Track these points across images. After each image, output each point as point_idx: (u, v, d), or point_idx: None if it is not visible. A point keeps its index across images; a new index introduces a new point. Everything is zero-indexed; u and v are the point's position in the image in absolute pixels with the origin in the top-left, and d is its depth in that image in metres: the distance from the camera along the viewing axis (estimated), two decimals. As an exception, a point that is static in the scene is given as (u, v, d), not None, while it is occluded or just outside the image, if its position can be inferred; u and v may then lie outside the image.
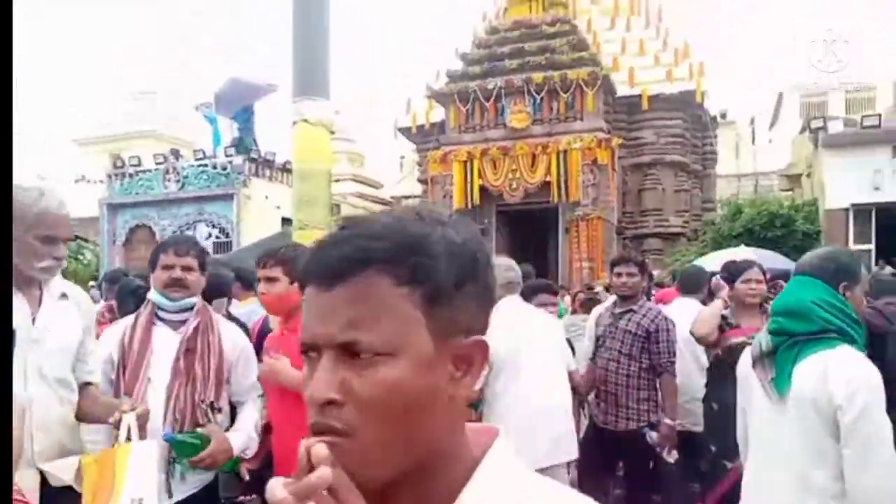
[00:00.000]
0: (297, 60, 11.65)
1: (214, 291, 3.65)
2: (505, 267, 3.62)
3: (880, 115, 14.08)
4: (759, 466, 2.26)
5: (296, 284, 2.56)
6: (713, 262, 8.72)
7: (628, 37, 18.17)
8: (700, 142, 18.19)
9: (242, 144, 16.42)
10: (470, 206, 15.16)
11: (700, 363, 4.27)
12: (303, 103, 11.40)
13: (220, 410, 2.50)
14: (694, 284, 4.96)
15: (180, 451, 2.36)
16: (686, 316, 4.02)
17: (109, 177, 16.93)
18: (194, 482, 2.44)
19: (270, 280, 2.65)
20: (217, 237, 15.50)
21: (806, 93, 20.67)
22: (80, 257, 13.17)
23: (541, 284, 4.63)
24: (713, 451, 3.35)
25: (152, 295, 2.53)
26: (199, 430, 2.40)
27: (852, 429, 1.90)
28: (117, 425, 1.99)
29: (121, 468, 1.89)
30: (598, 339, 4.26)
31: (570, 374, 3.65)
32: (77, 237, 15.14)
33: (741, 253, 9.92)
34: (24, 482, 1.87)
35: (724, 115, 19.66)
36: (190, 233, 15.90)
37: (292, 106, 11.77)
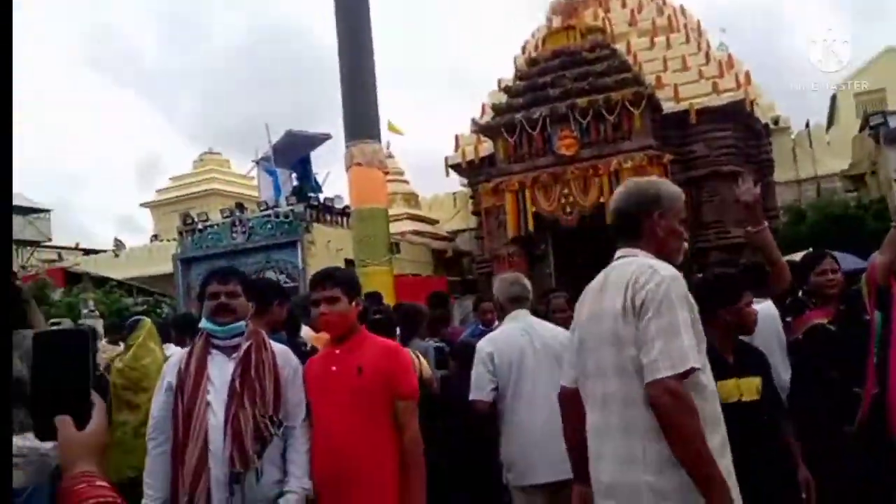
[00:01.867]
0: (346, 105, 12.26)
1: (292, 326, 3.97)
2: (511, 281, 3.71)
3: (942, 105, 13.65)
4: None
5: (354, 304, 2.77)
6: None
7: (669, 54, 18.17)
8: (755, 150, 17.88)
9: (302, 193, 17.10)
10: (524, 233, 15.30)
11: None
12: (356, 146, 11.98)
13: (280, 424, 2.58)
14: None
15: None
16: (768, 310, 3.59)
17: (181, 234, 17.81)
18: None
19: (331, 300, 2.71)
20: (285, 282, 16.02)
21: (861, 90, 20.13)
22: (158, 310, 13.90)
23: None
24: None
25: (203, 323, 2.67)
26: None
27: None
28: None
29: None
30: None
31: None
32: (154, 293, 15.91)
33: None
34: None
35: (776, 122, 19.30)
36: (258, 281, 16.51)
37: (346, 150, 12.34)
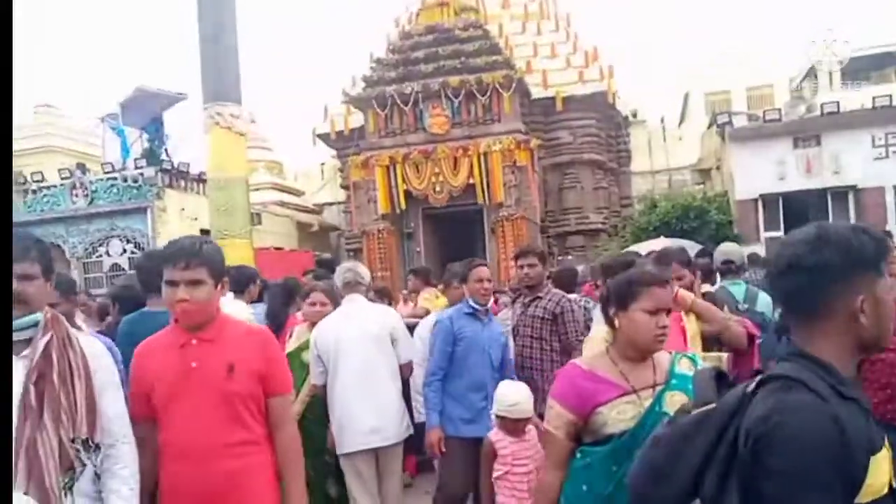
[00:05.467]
0: (204, 64, 11.37)
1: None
2: (346, 268, 4.08)
3: (780, 110, 14.89)
4: None
5: (220, 287, 2.33)
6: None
7: (539, 40, 18.56)
8: (615, 141, 18.77)
9: (154, 156, 15.79)
10: (396, 210, 15.10)
11: None
12: (214, 108, 11.15)
13: (97, 448, 1.99)
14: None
15: None
16: None
17: (10, 195, 15.93)
18: None
19: (194, 283, 2.22)
20: (132, 252, 14.80)
21: (710, 91, 21.66)
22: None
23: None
24: None
25: None
26: None
27: None
28: None
29: None
30: (513, 328, 4.53)
31: (402, 367, 3.93)
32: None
33: (659, 243, 10.33)
34: None
35: (635, 115, 20.34)
36: (102, 249, 15.14)
37: (203, 112, 11.48)
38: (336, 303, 4.20)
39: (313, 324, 4.07)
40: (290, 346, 4.11)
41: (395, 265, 15.07)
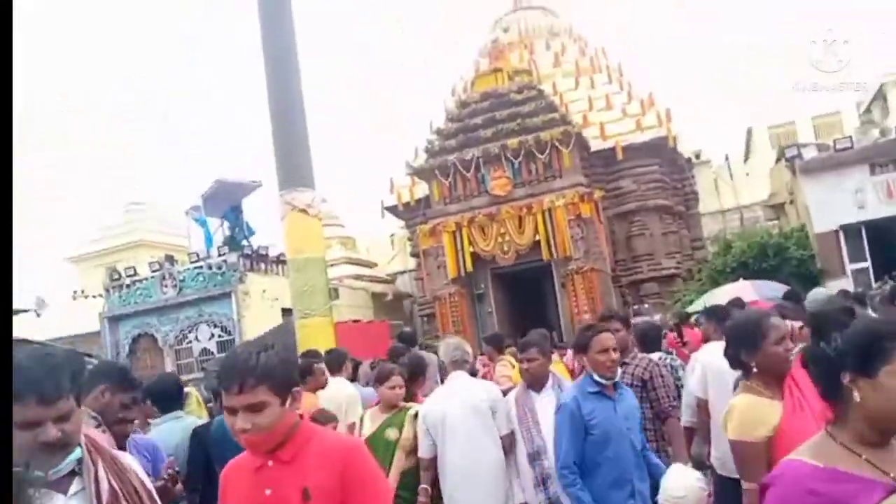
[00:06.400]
0: (278, 153, 12.09)
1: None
2: (454, 346, 4.23)
3: (851, 137, 14.48)
4: None
5: (289, 402, 1.94)
6: (718, 297, 8.78)
7: (593, 94, 18.84)
8: (680, 184, 18.61)
9: (235, 242, 16.70)
10: (464, 273, 15.34)
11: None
12: (290, 194, 11.78)
13: None
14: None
15: None
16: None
17: (107, 290, 17.08)
18: None
19: (254, 408, 1.85)
20: (220, 336, 15.54)
21: (773, 124, 21.23)
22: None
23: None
24: None
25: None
26: None
27: None
28: None
29: None
30: None
31: (503, 438, 3.93)
32: (82, 353, 15.13)
33: (740, 286, 10.00)
34: None
35: (698, 156, 20.14)
36: (192, 335, 15.92)
37: (279, 198, 12.14)
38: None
39: (390, 406, 4.21)
40: (366, 430, 4.19)
41: (468, 327, 15.21)
